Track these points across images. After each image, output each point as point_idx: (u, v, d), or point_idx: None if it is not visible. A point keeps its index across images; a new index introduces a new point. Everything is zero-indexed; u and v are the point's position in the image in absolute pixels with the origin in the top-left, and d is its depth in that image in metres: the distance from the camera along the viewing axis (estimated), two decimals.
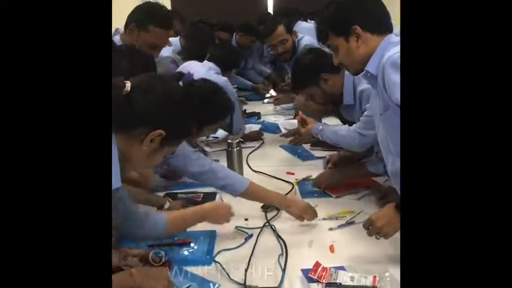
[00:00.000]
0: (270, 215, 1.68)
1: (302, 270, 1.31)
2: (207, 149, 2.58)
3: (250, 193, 1.64)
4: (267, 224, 1.61)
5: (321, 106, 2.17)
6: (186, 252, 1.44)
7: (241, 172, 2.01)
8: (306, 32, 2.99)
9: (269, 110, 3.44)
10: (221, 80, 2.41)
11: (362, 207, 1.72)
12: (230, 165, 2.00)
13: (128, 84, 1.06)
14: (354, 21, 1.38)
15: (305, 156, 2.40)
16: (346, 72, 1.85)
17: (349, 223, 1.60)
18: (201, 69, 2.46)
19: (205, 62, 2.57)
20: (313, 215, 1.61)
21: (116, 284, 1.05)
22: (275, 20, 2.63)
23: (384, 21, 1.42)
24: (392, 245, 1.44)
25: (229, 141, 2.03)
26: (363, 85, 1.85)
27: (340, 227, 1.60)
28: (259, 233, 1.56)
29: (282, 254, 1.41)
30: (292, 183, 1.99)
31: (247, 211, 1.70)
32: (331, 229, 1.58)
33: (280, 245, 1.47)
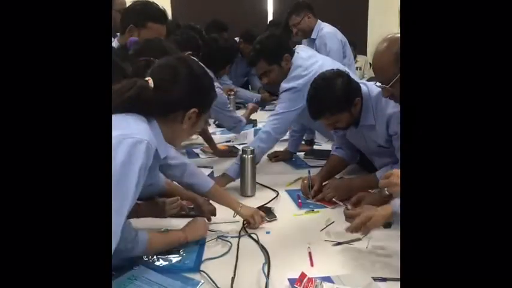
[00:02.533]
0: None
1: (289, 279, 1.32)
2: (201, 155, 2.60)
3: (212, 194, 1.71)
4: (246, 233, 1.63)
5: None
6: (174, 260, 1.44)
7: (253, 180, 2.01)
8: (330, 37, 3.14)
9: (266, 118, 3.45)
10: None
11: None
12: (243, 171, 2.01)
13: (151, 81, 1.21)
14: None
15: (298, 165, 2.42)
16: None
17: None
18: None
19: None
20: (258, 221, 1.67)
21: (171, 241, 1.45)
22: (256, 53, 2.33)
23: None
24: (380, 255, 1.46)
25: (244, 148, 2.03)
26: (391, 108, 1.76)
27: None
28: (239, 240, 1.57)
29: (266, 262, 1.42)
30: (277, 191, 2.01)
31: (237, 217, 1.72)
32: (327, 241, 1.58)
33: (263, 253, 1.48)
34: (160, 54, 1.72)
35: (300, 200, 1.93)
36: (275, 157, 2.55)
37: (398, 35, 1.48)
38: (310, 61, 2.28)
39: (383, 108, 1.81)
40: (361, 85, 1.89)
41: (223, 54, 2.64)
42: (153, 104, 1.21)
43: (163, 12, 2.16)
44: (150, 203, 1.65)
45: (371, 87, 1.88)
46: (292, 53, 2.32)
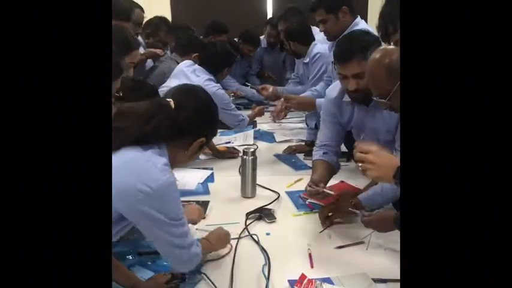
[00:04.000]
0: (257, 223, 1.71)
1: (289, 281, 1.33)
2: (201, 156, 2.60)
3: None
4: (248, 233, 1.64)
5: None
6: None
7: (254, 181, 2.02)
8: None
9: (265, 118, 3.46)
10: (211, 86, 2.49)
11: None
12: (243, 173, 2.01)
13: (172, 103, 1.21)
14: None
15: (298, 166, 2.43)
16: None
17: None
18: (191, 76, 2.49)
19: (196, 66, 2.58)
20: None
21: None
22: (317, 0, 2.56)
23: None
24: (381, 257, 1.46)
25: (244, 149, 2.04)
26: None
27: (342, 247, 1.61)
28: (238, 242, 1.57)
29: (266, 264, 1.43)
30: (278, 193, 2.01)
31: (237, 219, 1.74)
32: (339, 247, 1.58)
33: (264, 255, 1.49)
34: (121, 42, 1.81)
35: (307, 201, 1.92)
36: (294, 150, 2.64)
37: (390, 46, 1.48)
38: None
39: None
40: None
41: (221, 59, 2.65)
42: (172, 127, 1.19)
43: (124, 10, 2.26)
44: None
45: None
46: (351, 8, 2.48)
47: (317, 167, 1.93)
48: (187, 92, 1.29)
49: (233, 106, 2.74)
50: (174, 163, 1.25)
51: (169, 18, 4.76)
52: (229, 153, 2.59)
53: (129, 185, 1.09)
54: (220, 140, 2.88)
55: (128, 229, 1.25)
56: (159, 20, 3.11)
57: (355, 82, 1.78)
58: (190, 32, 3.14)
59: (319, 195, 1.75)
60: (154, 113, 1.18)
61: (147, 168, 1.12)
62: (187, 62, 2.62)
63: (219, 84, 2.61)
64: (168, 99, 1.22)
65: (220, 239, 1.51)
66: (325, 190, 1.71)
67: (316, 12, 2.53)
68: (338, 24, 2.50)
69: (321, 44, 2.88)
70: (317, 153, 2.00)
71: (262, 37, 4.27)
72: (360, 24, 2.53)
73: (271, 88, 3.21)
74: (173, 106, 1.21)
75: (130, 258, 1.45)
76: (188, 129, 1.23)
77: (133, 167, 1.09)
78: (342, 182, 2.10)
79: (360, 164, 1.27)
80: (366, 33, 1.87)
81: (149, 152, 1.15)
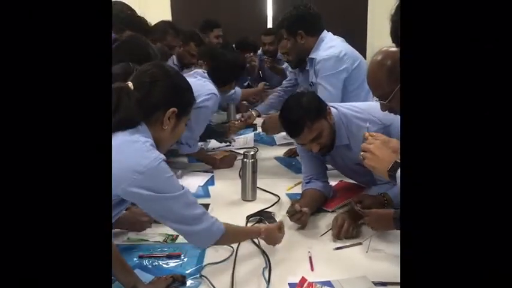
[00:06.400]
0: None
1: (289, 284, 1.33)
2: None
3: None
4: None
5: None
6: (175, 265, 1.45)
7: (254, 184, 2.01)
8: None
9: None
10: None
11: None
12: (244, 176, 2.01)
13: (130, 84, 1.22)
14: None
15: (298, 169, 2.41)
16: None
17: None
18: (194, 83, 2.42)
19: (197, 71, 2.52)
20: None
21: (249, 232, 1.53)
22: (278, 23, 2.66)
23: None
24: (381, 260, 1.46)
25: (245, 152, 2.04)
26: (362, 123, 1.71)
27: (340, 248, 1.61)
28: (238, 246, 1.55)
29: (266, 267, 1.42)
30: (278, 196, 2.01)
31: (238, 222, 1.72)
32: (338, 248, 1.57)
33: (264, 258, 1.49)
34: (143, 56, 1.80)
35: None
36: (294, 153, 2.61)
37: (392, 48, 1.48)
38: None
39: (355, 127, 1.81)
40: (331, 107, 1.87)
41: (230, 70, 2.54)
42: (138, 106, 1.20)
43: (143, 26, 2.44)
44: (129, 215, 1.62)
45: (340, 108, 1.89)
46: (309, 30, 2.53)
47: (304, 197, 1.90)
48: (144, 71, 1.29)
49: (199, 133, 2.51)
50: (160, 142, 1.26)
51: (170, 18, 4.77)
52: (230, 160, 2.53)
53: (122, 168, 1.10)
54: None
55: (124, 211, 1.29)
56: (165, 24, 3.10)
57: (316, 144, 1.80)
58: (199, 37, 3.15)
59: (294, 217, 1.71)
60: (118, 100, 1.18)
61: (137, 149, 1.15)
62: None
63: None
64: (126, 83, 1.23)
65: (275, 236, 1.54)
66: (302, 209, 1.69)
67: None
68: (296, 47, 2.60)
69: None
70: (303, 185, 2.00)
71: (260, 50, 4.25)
72: (326, 38, 2.54)
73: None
74: (132, 87, 1.22)
75: (131, 261, 1.45)
76: (153, 103, 1.23)
77: (123, 151, 1.10)
78: (341, 181, 2.12)
79: (361, 153, 1.33)
80: (301, 95, 1.88)
81: (136, 135, 1.18)
